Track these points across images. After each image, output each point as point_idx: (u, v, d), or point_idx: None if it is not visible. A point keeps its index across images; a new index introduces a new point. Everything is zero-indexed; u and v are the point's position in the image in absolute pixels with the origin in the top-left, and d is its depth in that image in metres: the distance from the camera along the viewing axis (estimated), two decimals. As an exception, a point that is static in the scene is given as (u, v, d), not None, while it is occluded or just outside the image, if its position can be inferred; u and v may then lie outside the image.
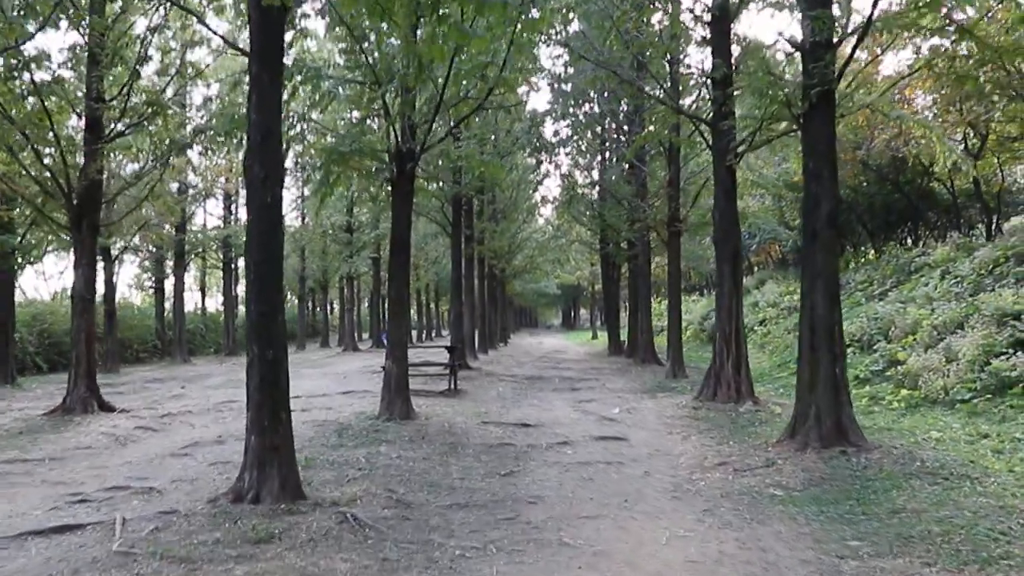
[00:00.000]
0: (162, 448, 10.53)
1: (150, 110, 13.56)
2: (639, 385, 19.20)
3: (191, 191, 31.80)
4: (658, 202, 20.97)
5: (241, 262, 44.56)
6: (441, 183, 21.15)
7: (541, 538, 6.31)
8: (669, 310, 20.65)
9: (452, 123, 12.51)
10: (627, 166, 25.79)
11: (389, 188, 12.49)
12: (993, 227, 26.65)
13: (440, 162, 13.40)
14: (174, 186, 28.62)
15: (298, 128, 11.66)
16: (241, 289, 60.67)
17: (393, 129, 11.87)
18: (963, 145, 26.10)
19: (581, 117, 27.17)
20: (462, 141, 15.17)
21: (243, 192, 35.91)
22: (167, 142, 14.91)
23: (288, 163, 27.34)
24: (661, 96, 15.72)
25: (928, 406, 13.52)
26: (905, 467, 8.44)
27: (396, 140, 12.03)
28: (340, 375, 21.91)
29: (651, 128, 15.29)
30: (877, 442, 9.54)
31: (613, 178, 25.08)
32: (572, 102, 24.73)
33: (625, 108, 25.23)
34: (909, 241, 31.96)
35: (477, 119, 20.96)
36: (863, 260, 33.04)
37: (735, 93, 14.04)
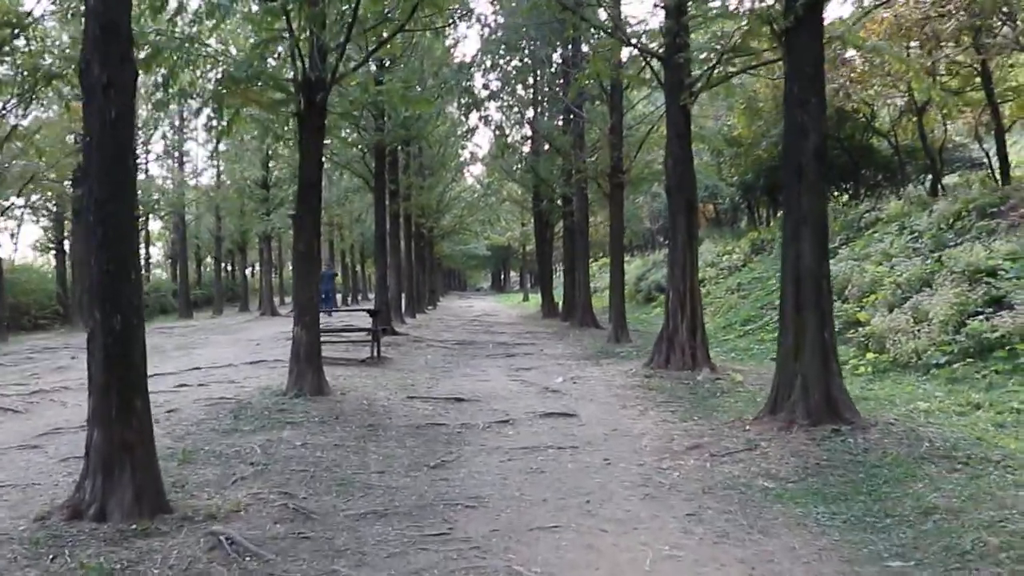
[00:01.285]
0: (12, 436, 8.61)
1: (9, 31, 11.38)
2: (580, 350, 17.72)
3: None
4: (599, 152, 19.34)
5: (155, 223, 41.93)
6: (362, 127, 19.19)
7: (485, 566, 4.69)
8: (611, 269, 19.18)
9: (370, 48, 10.63)
10: (563, 116, 24.13)
11: (297, 126, 10.59)
12: (939, 184, 25.86)
13: (356, 96, 11.50)
14: (69, 137, 25.96)
15: (185, 54, 9.65)
16: (158, 251, 57.81)
17: (299, 52, 9.97)
18: (908, 96, 25.12)
19: (512, 70, 25.40)
20: (384, 84, 13.30)
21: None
22: (27, 72, 12.68)
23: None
24: (606, 24, 14.03)
25: (898, 371, 12.34)
26: (912, 449, 7.05)
27: (303, 66, 10.14)
28: (253, 342, 19.95)
29: (594, 64, 13.54)
30: (871, 417, 8.16)
31: (553, 125, 23.23)
32: (502, 51, 22.92)
33: (561, 55, 23.51)
34: (846, 197, 31.11)
35: (402, 63, 19.11)
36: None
37: (691, 22, 12.47)
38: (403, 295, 30.28)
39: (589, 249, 25.72)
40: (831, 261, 19.74)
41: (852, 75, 24.53)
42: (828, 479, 6.50)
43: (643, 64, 13.94)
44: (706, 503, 5.99)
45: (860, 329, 14.35)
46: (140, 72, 6.20)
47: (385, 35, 10.32)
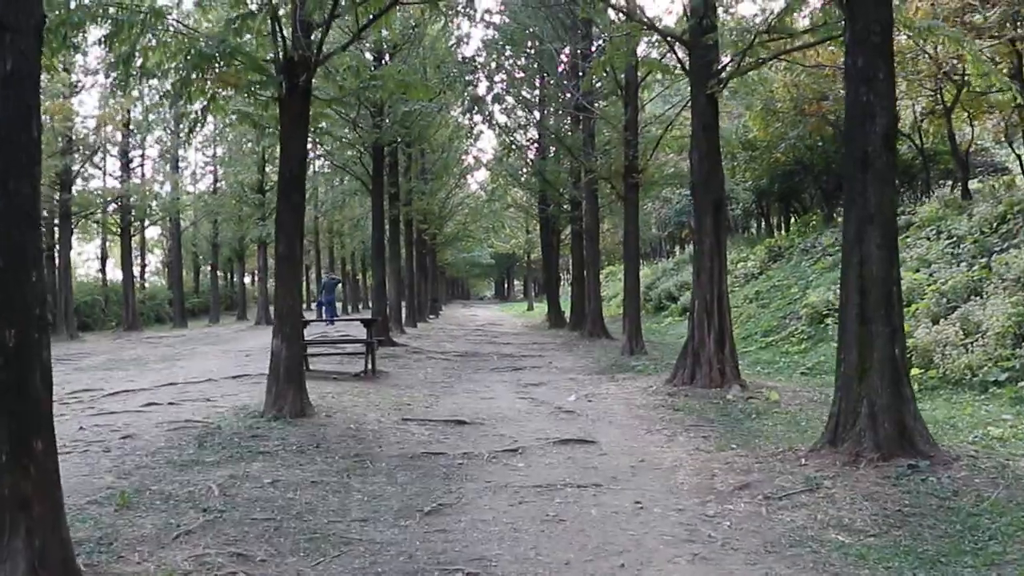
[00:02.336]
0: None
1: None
2: (592, 363, 16.43)
3: (80, 140, 27.87)
4: (611, 152, 18.07)
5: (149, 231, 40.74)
6: (358, 123, 17.94)
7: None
8: (626, 275, 17.88)
9: (361, 24, 9.37)
10: (572, 116, 22.85)
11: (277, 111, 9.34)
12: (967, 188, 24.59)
13: (347, 81, 10.23)
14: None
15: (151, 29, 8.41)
16: (155, 259, 56.58)
17: (279, 27, 8.74)
18: (935, 96, 23.88)
19: (517, 73, 24.24)
20: (381, 72, 12.05)
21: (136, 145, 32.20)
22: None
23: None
24: (624, 6, 12.78)
25: (950, 389, 11.04)
26: (1012, 491, 5.78)
27: (284, 44, 8.91)
28: (243, 353, 18.68)
29: (610, 52, 12.32)
30: (949, 450, 6.87)
31: (560, 126, 21.93)
32: (508, 51, 21.73)
33: (570, 50, 22.28)
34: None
35: (401, 56, 17.89)
36: (819, 223, 30.76)
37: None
38: (403, 304, 29.07)
39: (599, 256, 24.39)
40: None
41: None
42: (918, 532, 5.21)
43: (665, 51, 12.67)
44: (773, 567, 4.70)
45: (901, 342, 13.04)
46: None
47: (376, 7, 9.03)
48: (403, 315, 26.70)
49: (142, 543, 4.88)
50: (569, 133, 21.43)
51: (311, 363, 14.59)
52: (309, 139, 21.08)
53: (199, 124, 9.85)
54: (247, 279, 46.70)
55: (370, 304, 42.98)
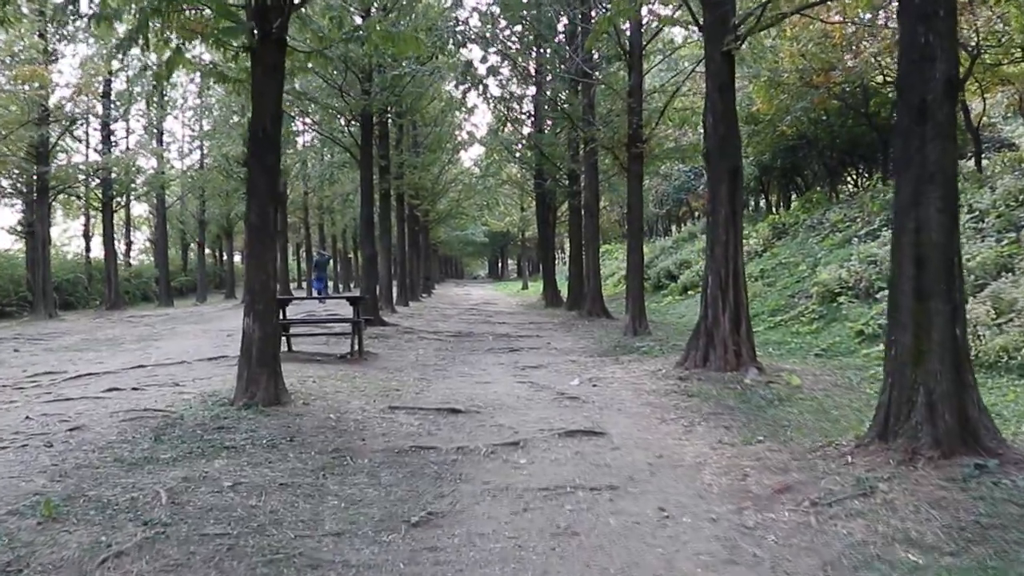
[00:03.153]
0: None
1: None
2: (593, 344, 15.50)
3: (58, 111, 26.69)
4: (613, 121, 17.05)
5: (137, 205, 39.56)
6: (345, 90, 16.89)
7: None
8: (629, 251, 16.96)
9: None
10: (570, 86, 21.77)
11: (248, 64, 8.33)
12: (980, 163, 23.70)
13: (328, 31, 9.21)
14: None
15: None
16: (142, 236, 55.35)
17: (249, -34, 7.74)
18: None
19: (512, 42, 23.16)
20: (365, 23, 11.04)
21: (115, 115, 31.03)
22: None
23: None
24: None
25: (984, 373, 10.12)
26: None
27: (255, -14, 7.91)
28: (224, 333, 17.72)
29: (616, 4, 11.31)
30: (1015, 445, 5.98)
31: (557, 96, 20.79)
32: (503, 20, 20.66)
33: (567, 21, 21.21)
34: (878, 176, 28.94)
35: (391, 16, 16.81)
36: (823, 199, 29.85)
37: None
38: (395, 282, 28.15)
39: (599, 231, 23.41)
40: (874, 244, 17.66)
41: (880, 46, 22.37)
42: (1004, 551, 4.31)
43: (677, 4, 11.66)
44: (841, 600, 3.80)
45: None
46: None
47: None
48: (394, 294, 25.75)
49: (59, 569, 3.95)
50: (566, 105, 20.34)
51: (293, 344, 13.69)
52: (295, 109, 20.19)
53: (164, 79, 8.81)
54: (236, 257, 45.61)
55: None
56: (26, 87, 22.35)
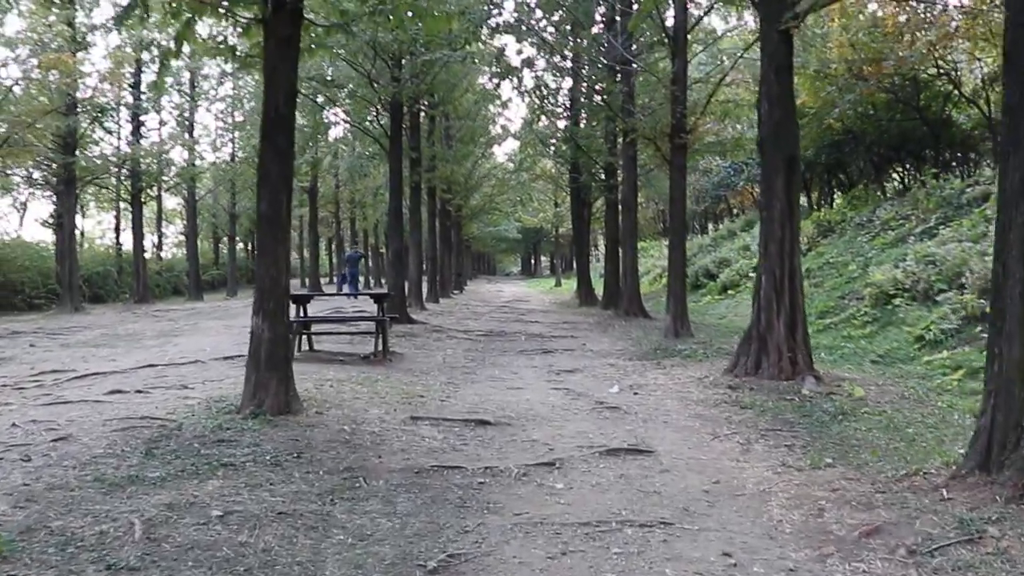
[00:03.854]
0: None
1: None
2: (632, 346, 14.63)
3: (87, 100, 26.28)
4: (659, 107, 16.10)
5: (167, 197, 39.20)
6: (373, 77, 16.14)
7: None
8: (670, 249, 16.05)
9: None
10: (608, 75, 20.86)
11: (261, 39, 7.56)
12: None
13: (350, 4, 8.44)
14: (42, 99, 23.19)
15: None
16: (176, 230, 55.21)
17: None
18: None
19: (548, 36, 22.35)
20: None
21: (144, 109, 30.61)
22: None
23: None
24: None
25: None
26: None
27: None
28: (247, 329, 16.95)
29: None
30: None
31: (593, 86, 19.81)
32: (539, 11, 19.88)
33: (606, 9, 20.33)
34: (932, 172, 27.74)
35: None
36: (872, 196, 28.69)
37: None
38: (425, 278, 27.48)
39: (637, 227, 22.49)
40: (931, 243, 16.60)
41: (937, 34, 21.24)
42: None
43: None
44: None
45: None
46: None
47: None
48: (424, 290, 25.04)
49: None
50: (612, 83, 19.35)
51: (316, 343, 12.98)
52: (323, 97, 19.51)
53: (173, 56, 8.09)
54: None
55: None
56: (52, 75, 21.91)
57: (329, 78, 16.48)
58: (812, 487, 5.52)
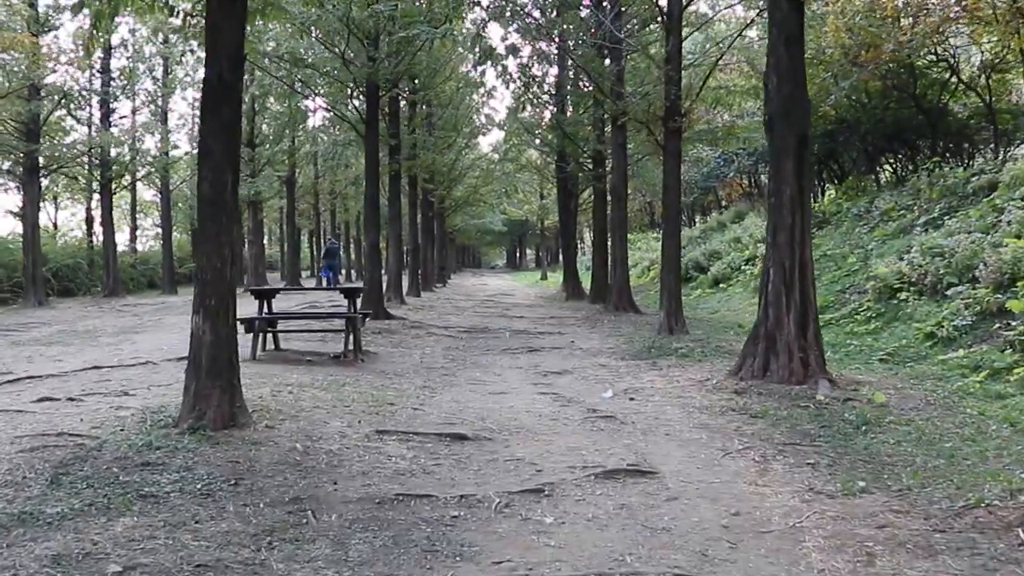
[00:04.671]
0: None
1: None
2: (624, 344, 13.68)
3: (53, 87, 25.07)
4: (652, 89, 15.11)
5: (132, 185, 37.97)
6: (348, 58, 15.08)
7: None
8: (664, 240, 15.10)
9: None
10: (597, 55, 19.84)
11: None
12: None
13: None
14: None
15: None
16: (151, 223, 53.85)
17: None
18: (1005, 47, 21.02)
19: (533, 19, 21.39)
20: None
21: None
22: None
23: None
24: None
25: None
26: None
27: None
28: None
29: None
30: None
31: (585, 59, 18.65)
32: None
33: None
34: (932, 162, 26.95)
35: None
36: (868, 186, 27.88)
37: None
38: (407, 271, 26.49)
39: (627, 217, 21.55)
40: (936, 234, 15.75)
41: (941, 16, 20.41)
42: None
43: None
44: None
45: (1011, 324, 10.38)
46: None
47: None
48: (404, 283, 24.04)
49: None
50: (600, 63, 18.31)
51: (283, 341, 11.99)
52: (295, 80, 18.44)
53: (105, 19, 7.05)
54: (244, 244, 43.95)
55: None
56: (9, 56, 20.76)
57: (299, 57, 15.41)
58: (852, 522, 4.59)
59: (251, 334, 10.65)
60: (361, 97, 17.76)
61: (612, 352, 12.68)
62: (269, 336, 11.62)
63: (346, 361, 10.72)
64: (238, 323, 10.48)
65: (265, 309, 11.43)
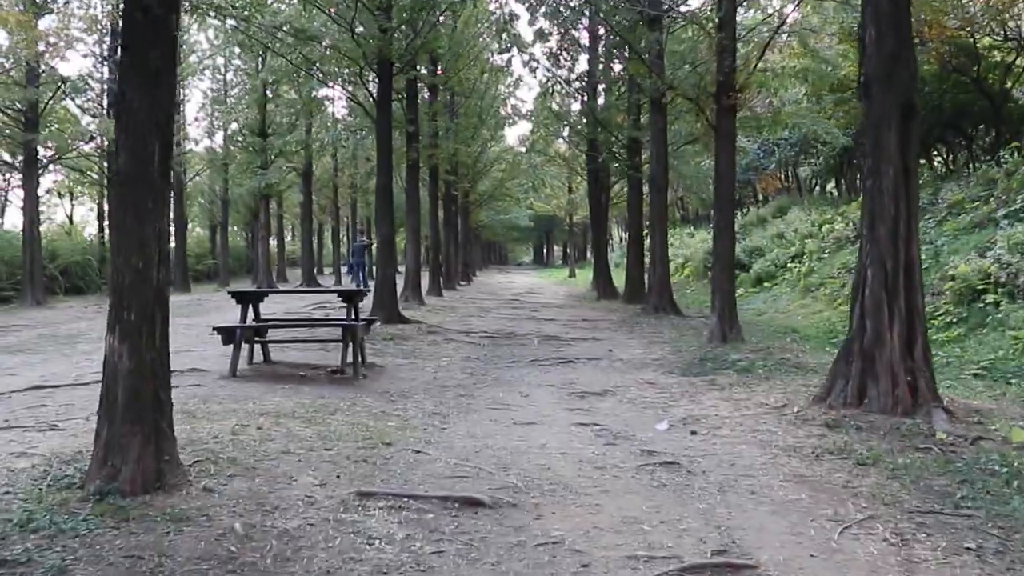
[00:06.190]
0: None
1: None
2: (671, 354, 11.85)
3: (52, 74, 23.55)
4: (702, 63, 13.19)
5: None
6: (357, 30, 13.36)
7: None
8: (716, 233, 13.22)
9: None
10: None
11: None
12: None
13: None
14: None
15: None
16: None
17: None
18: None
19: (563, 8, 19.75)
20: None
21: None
22: None
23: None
24: None
25: None
26: None
27: None
28: (209, 328, 14.37)
29: None
30: None
31: (622, 29, 16.66)
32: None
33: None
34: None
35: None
36: (931, 177, 25.79)
37: None
38: (428, 269, 24.80)
39: (667, 209, 19.71)
40: (1022, 228, 13.81)
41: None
42: None
43: None
44: None
45: None
46: None
47: None
48: (425, 282, 22.33)
49: None
50: (633, 50, 16.50)
51: (276, 351, 10.31)
52: (296, 51, 16.68)
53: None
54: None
55: (400, 268, 38.04)
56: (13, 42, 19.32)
57: (301, 29, 13.71)
58: None
59: (231, 346, 8.99)
60: (374, 78, 16.02)
61: (659, 364, 10.85)
62: (257, 347, 9.95)
63: (342, 378, 8.99)
64: (215, 333, 8.88)
65: (252, 315, 9.75)
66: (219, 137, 35.23)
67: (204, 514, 4.23)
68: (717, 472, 5.57)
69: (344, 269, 32.77)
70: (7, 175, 28.93)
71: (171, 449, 4.68)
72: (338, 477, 5.08)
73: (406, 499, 4.67)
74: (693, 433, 6.79)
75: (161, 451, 4.57)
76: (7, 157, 26.83)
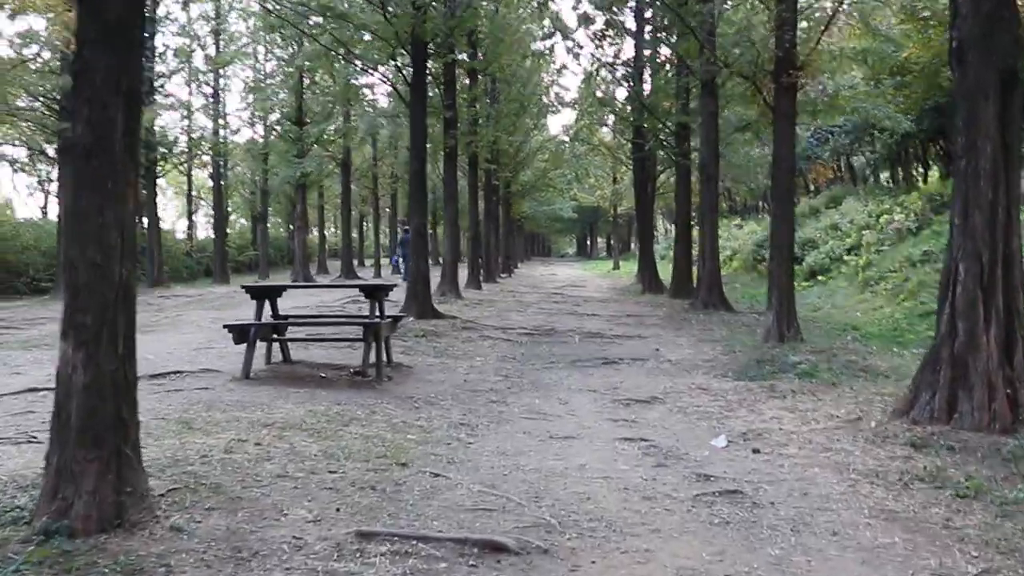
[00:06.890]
0: None
1: None
2: (724, 354, 10.91)
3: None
4: (759, 38, 12.20)
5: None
6: (388, 10, 12.57)
7: None
8: (773, 224, 12.23)
9: None
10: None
11: None
12: None
13: None
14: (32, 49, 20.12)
15: None
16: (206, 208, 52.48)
17: None
18: None
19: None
20: None
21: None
22: None
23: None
24: None
25: None
26: None
27: None
28: (238, 321, 13.73)
29: None
30: None
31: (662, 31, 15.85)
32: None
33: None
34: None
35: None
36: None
37: None
38: (467, 260, 24.04)
39: (718, 198, 18.71)
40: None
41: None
42: None
43: None
44: None
45: None
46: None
47: None
48: (464, 274, 21.57)
49: None
50: (685, 21, 15.51)
51: (291, 351, 9.60)
52: (325, 31, 15.95)
53: None
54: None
55: (438, 260, 37.61)
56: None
57: (327, 5, 12.95)
58: None
59: (244, 345, 8.29)
60: (408, 62, 15.25)
61: (711, 367, 9.94)
62: (275, 345, 9.25)
63: (363, 381, 8.23)
64: (227, 330, 8.17)
65: (271, 312, 9.06)
66: (260, 128, 34.91)
67: (164, 563, 3.46)
68: (788, 504, 4.70)
69: (395, 261, 32.39)
70: (46, 166, 28.65)
71: (135, 479, 3.92)
72: (337, 510, 4.29)
73: (414, 542, 3.86)
74: (755, 452, 5.91)
75: (123, 481, 3.81)
76: (44, 146, 26.61)
